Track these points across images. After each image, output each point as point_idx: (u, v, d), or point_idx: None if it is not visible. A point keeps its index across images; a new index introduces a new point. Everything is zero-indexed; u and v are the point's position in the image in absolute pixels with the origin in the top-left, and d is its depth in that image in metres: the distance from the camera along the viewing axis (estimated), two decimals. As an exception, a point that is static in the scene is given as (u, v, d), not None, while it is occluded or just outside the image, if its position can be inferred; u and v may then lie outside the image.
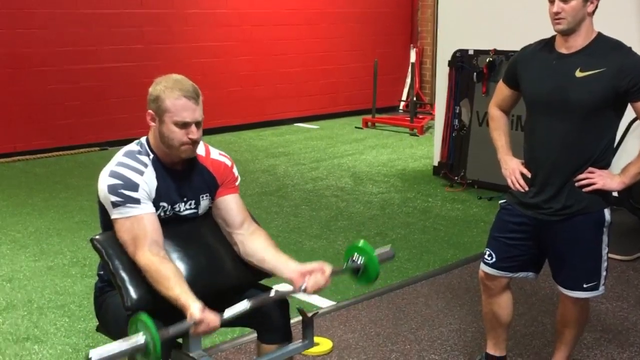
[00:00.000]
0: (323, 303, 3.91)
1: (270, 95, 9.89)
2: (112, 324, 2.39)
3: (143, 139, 2.43)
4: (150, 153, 2.38)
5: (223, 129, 9.21)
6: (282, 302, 2.46)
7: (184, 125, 2.29)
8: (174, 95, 2.27)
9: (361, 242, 2.44)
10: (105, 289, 2.43)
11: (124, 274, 2.23)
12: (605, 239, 2.72)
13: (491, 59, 6.21)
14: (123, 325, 2.26)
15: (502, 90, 2.92)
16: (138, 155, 2.36)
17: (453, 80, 6.57)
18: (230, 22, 9.29)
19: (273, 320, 2.45)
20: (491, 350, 3.04)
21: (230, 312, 2.17)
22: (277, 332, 2.47)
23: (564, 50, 2.62)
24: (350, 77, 10.81)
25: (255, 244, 2.45)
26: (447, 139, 6.70)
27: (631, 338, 3.44)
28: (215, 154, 2.53)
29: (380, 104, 10.30)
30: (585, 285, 2.74)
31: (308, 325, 2.47)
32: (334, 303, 3.90)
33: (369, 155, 7.98)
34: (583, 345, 3.33)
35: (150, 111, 2.33)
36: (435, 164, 6.94)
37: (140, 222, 2.25)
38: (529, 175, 2.75)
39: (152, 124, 2.35)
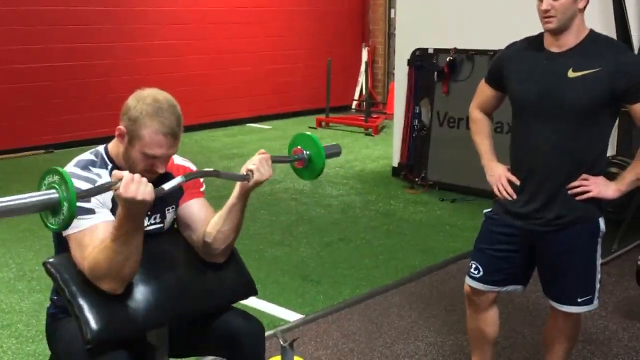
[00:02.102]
0: (290, 316, 3.71)
1: (221, 95, 9.64)
2: (64, 357, 2.13)
3: (100, 148, 2.18)
4: (109, 163, 2.14)
5: (173, 129, 8.93)
6: (258, 329, 2.24)
7: (153, 158, 2.06)
8: (153, 128, 2.02)
9: (308, 134, 2.27)
10: (58, 315, 2.18)
11: (82, 302, 1.96)
12: (599, 249, 2.56)
13: (452, 58, 6.08)
14: (78, 358, 2.03)
15: (484, 91, 2.72)
16: (91, 167, 2.11)
17: (413, 80, 6.43)
18: (180, 20, 9.03)
19: (246, 350, 2.22)
20: None
21: (167, 185, 1.90)
22: None
23: (554, 49, 2.43)
24: (302, 77, 10.64)
25: (212, 219, 2.21)
26: (407, 140, 6.55)
27: (614, 348, 3.33)
28: (179, 159, 2.31)
29: (332, 104, 10.13)
30: (579, 300, 2.57)
31: (287, 351, 2.28)
32: (302, 316, 3.71)
33: (325, 156, 7.79)
34: (567, 358, 3.21)
35: (121, 127, 2.07)
36: (395, 165, 6.79)
37: (93, 232, 2.00)
38: (517, 182, 2.57)
39: (120, 139, 2.09)
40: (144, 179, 1.83)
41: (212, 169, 2.09)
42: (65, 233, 2.02)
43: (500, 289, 2.68)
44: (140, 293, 2.05)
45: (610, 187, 2.47)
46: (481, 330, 2.79)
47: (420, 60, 6.34)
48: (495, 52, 5.78)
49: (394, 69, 11.47)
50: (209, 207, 2.29)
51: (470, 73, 6.04)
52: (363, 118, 9.52)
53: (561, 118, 2.42)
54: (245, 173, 2.10)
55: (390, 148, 8.12)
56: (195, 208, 2.25)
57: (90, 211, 2.02)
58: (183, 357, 2.32)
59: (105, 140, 2.23)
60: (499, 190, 2.61)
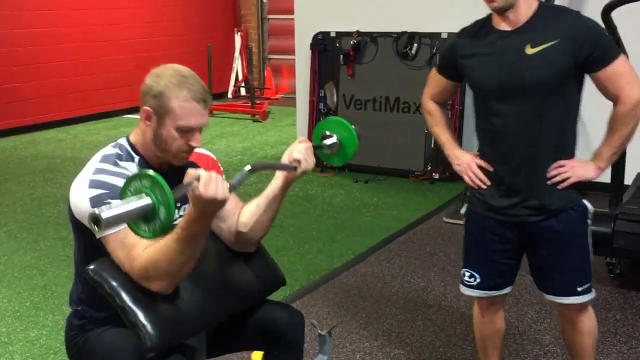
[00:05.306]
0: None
1: (97, 86, 9.23)
2: None
3: (122, 141, 2.05)
4: (135, 155, 2.02)
5: (48, 124, 8.48)
6: (299, 320, 2.20)
7: (187, 131, 1.96)
8: (182, 96, 1.93)
9: (335, 118, 2.23)
10: (87, 326, 2.02)
11: (136, 308, 1.83)
12: (590, 231, 2.43)
13: (356, 41, 6.15)
14: None
15: (438, 82, 2.58)
16: (118, 161, 1.99)
17: (316, 64, 6.44)
18: (46, 5, 8.52)
19: (288, 340, 2.17)
20: None
21: (235, 180, 1.84)
22: (291, 354, 2.19)
23: (506, 27, 2.30)
24: (179, 64, 10.33)
25: (246, 208, 2.16)
26: (313, 124, 6.55)
27: (629, 329, 3.35)
28: (199, 148, 2.21)
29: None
30: (579, 289, 2.42)
31: (325, 340, 2.25)
32: (265, 306, 3.64)
33: (221, 145, 7.68)
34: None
35: (147, 107, 1.96)
36: (301, 149, 6.76)
37: None
38: (490, 168, 2.42)
39: (147, 122, 1.98)
40: (220, 176, 1.74)
41: (263, 162, 1.99)
42: (101, 235, 1.87)
43: (501, 292, 2.56)
44: (187, 292, 1.95)
45: (589, 167, 2.36)
46: (497, 330, 2.68)
47: (324, 43, 6.36)
48: (398, 34, 5.94)
49: (269, 54, 11.54)
50: (234, 196, 2.19)
51: (374, 55, 6.13)
52: (248, 104, 9.42)
53: (527, 97, 2.29)
54: (291, 163, 2.03)
55: (282, 133, 8.20)
56: None
57: None
58: (219, 354, 2.22)
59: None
60: (471, 179, 2.47)
